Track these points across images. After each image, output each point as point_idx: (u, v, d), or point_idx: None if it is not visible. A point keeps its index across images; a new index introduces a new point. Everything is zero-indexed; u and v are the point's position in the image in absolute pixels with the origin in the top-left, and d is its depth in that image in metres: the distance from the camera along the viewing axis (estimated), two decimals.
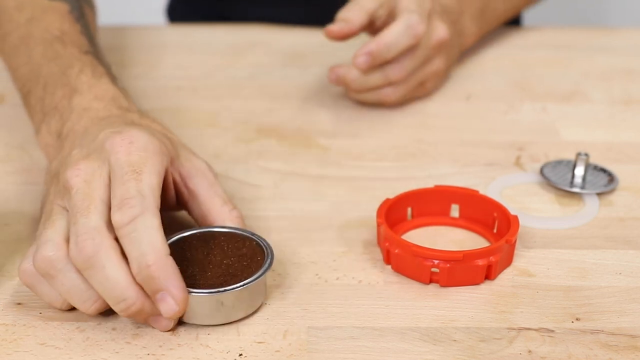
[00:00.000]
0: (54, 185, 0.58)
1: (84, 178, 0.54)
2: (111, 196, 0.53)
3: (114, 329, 0.54)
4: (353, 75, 0.79)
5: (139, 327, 0.54)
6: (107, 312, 0.55)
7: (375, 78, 0.79)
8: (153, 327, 0.54)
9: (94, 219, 0.52)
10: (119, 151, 0.54)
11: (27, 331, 0.54)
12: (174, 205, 0.61)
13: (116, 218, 0.52)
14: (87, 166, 0.55)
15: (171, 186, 0.59)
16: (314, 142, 0.77)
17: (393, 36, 0.77)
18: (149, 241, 0.51)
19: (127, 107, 0.65)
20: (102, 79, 0.67)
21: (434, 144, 0.77)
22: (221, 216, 0.59)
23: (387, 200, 0.62)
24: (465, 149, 0.76)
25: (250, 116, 0.82)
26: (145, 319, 0.53)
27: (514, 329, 0.54)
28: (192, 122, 0.81)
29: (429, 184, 0.67)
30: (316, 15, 0.93)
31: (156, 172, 0.54)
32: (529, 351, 0.52)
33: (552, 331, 0.54)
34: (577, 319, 0.55)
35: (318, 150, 0.76)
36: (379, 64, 0.78)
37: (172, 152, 0.59)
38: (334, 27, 0.79)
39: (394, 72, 0.79)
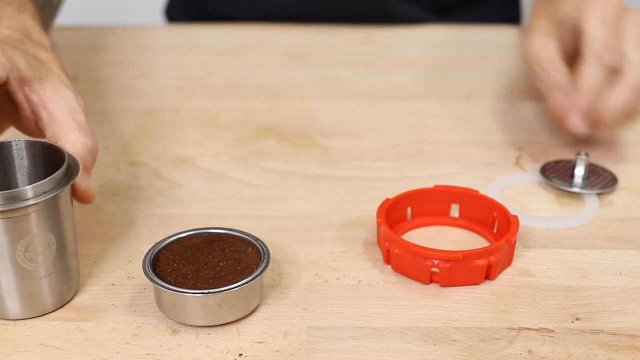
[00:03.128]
0: None
1: None
2: None
3: (114, 329, 0.54)
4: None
5: (139, 327, 0.54)
6: (107, 312, 0.55)
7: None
8: None
9: None
10: None
11: (27, 331, 0.54)
12: (34, 127, 0.60)
13: None
14: None
15: (24, 105, 0.59)
16: (314, 142, 0.77)
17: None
18: None
19: (36, 39, 0.64)
20: (24, 14, 0.66)
21: (434, 144, 0.77)
22: (69, 138, 0.57)
23: (387, 200, 0.62)
24: (465, 149, 0.76)
25: (250, 116, 0.82)
26: None
27: (514, 329, 0.54)
28: (192, 122, 0.81)
29: (429, 184, 0.67)
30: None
31: None
32: (529, 351, 0.52)
33: (552, 331, 0.54)
34: (577, 319, 0.55)
35: (318, 150, 0.76)
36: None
37: (29, 73, 0.58)
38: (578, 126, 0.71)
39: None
